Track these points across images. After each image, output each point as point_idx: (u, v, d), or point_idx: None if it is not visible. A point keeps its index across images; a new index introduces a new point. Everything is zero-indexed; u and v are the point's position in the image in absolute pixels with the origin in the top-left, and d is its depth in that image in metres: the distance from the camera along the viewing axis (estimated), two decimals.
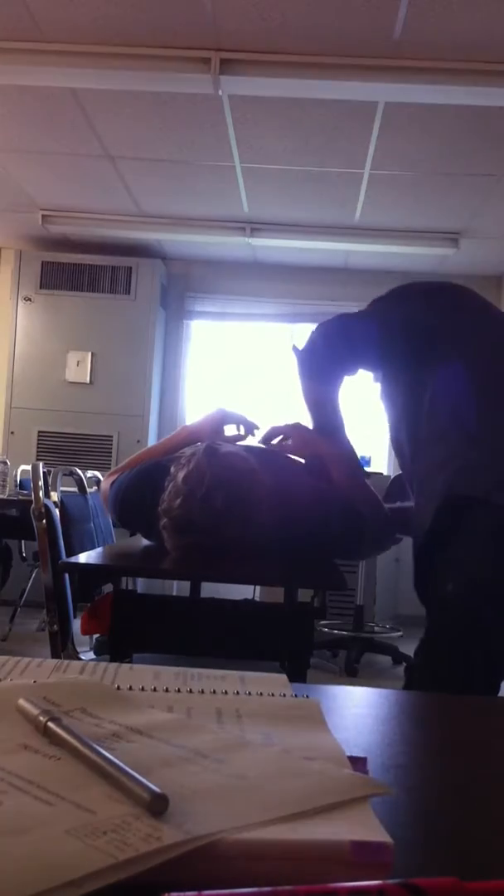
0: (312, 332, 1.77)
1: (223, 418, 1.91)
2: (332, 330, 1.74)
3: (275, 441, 1.90)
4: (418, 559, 1.57)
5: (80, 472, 2.67)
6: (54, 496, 2.16)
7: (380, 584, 4.87)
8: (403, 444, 1.75)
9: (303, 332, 3.63)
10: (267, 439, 1.89)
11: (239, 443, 1.86)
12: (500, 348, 1.68)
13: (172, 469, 1.60)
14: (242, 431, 1.92)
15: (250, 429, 1.92)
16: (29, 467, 2.41)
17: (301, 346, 1.79)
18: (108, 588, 2.02)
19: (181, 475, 1.55)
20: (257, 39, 2.94)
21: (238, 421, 1.92)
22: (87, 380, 5.44)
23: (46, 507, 1.94)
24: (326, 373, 1.78)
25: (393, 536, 1.87)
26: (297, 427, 1.86)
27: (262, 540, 1.57)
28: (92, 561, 1.71)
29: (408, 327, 1.69)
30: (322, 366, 1.77)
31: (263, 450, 1.82)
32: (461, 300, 1.78)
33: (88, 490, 2.54)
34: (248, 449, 1.73)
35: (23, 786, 0.39)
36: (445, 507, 1.49)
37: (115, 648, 1.55)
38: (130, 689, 0.58)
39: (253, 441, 1.91)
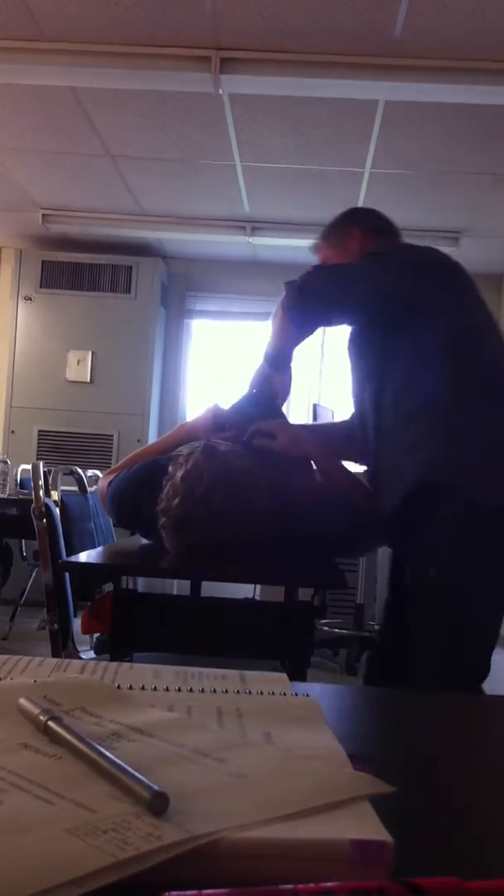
0: (310, 274, 1.77)
1: (216, 416, 1.87)
2: (332, 277, 1.78)
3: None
4: (391, 539, 1.68)
5: (80, 471, 2.67)
6: (55, 495, 2.16)
7: (380, 583, 4.87)
8: (366, 403, 1.83)
9: None
10: (252, 437, 1.85)
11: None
12: (482, 335, 1.74)
13: (171, 468, 1.60)
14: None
15: (242, 430, 1.87)
16: (29, 466, 2.41)
17: (295, 282, 1.77)
18: (108, 587, 2.02)
19: (179, 474, 1.55)
20: (258, 38, 2.94)
21: (230, 420, 1.87)
22: (88, 379, 5.44)
23: (47, 506, 1.94)
24: (315, 318, 1.79)
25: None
26: (283, 425, 1.85)
27: (261, 539, 1.57)
28: (92, 560, 1.71)
29: (405, 299, 1.75)
30: (314, 311, 1.76)
31: (262, 449, 1.82)
32: (455, 279, 1.83)
33: (89, 489, 2.54)
34: (246, 448, 1.73)
35: (23, 785, 0.39)
36: (415, 495, 1.59)
37: (115, 647, 1.55)
38: (131, 688, 0.58)
39: None
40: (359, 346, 1.88)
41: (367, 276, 1.77)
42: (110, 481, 1.80)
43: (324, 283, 1.76)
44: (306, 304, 1.72)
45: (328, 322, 1.90)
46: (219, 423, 1.84)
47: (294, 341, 1.80)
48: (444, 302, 1.74)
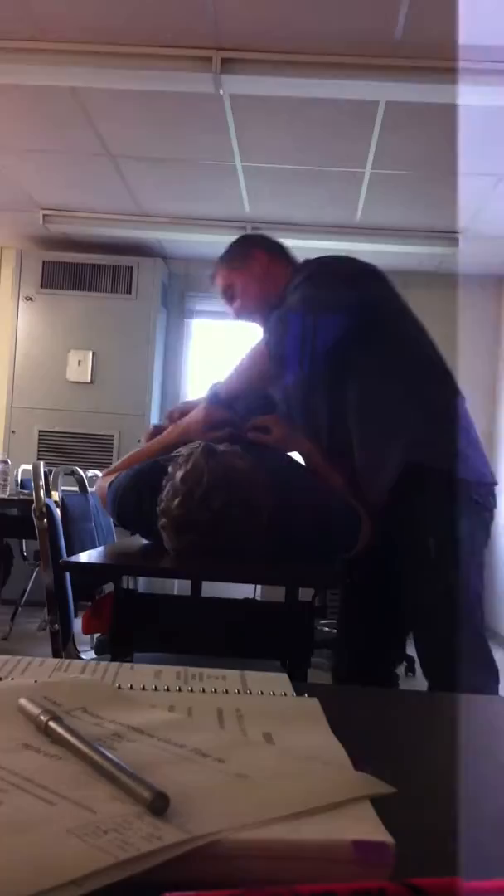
0: (277, 335, 1.83)
1: (208, 416, 1.87)
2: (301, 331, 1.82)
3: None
4: (380, 517, 1.76)
5: (80, 471, 2.67)
6: (55, 495, 2.16)
7: None
8: (318, 405, 1.92)
9: None
10: (247, 430, 1.88)
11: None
12: (421, 332, 1.96)
13: (170, 469, 1.60)
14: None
15: (235, 428, 1.88)
16: (30, 466, 2.41)
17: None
18: (108, 587, 2.02)
19: (179, 475, 1.55)
20: (258, 39, 2.94)
21: (224, 419, 1.89)
22: (89, 379, 5.44)
23: (47, 506, 1.94)
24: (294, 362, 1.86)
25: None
26: (277, 420, 1.89)
27: (262, 539, 1.57)
28: (93, 560, 1.71)
29: (359, 311, 1.85)
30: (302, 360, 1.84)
31: (260, 448, 1.82)
32: (390, 286, 1.97)
33: (89, 489, 2.54)
34: (245, 447, 1.74)
35: (24, 785, 0.39)
36: (403, 476, 1.74)
37: (115, 648, 1.55)
38: (131, 688, 0.58)
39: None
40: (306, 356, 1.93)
41: (332, 307, 1.84)
42: (111, 482, 1.80)
43: (296, 340, 1.82)
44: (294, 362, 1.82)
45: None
46: (213, 423, 1.85)
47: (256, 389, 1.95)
48: (391, 308, 1.91)
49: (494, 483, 1.82)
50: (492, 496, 1.81)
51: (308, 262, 2.01)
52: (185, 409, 2.00)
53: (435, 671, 1.72)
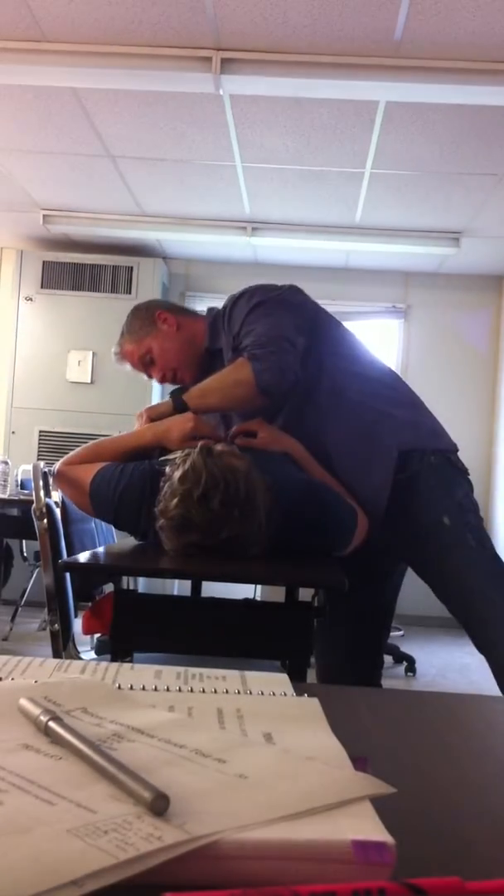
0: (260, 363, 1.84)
1: (195, 429, 1.81)
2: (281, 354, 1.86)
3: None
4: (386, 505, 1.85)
5: None
6: (55, 496, 2.16)
7: None
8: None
9: None
10: (234, 435, 1.88)
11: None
12: (357, 342, 2.09)
13: (168, 469, 1.60)
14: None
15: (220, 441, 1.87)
16: (30, 467, 2.41)
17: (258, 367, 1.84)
18: (108, 588, 2.02)
19: (177, 475, 1.55)
20: (258, 39, 2.94)
21: (210, 434, 1.84)
22: (89, 379, 5.44)
23: (47, 506, 1.94)
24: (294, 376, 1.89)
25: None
26: (263, 423, 1.89)
27: (260, 538, 1.57)
28: (93, 561, 1.71)
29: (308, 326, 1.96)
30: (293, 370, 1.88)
31: (245, 447, 1.82)
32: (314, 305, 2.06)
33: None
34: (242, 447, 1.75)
35: (24, 785, 0.39)
36: (402, 464, 1.87)
37: (116, 648, 1.55)
38: (131, 688, 0.58)
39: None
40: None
41: (290, 326, 1.91)
42: (93, 477, 1.74)
43: (277, 363, 1.84)
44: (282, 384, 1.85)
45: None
46: (197, 436, 1.80)
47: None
48: (323, 322, 2.02)
49: (457, 448, 2.01)
50: (460, 460, 1.99)
51: (229, 302, 2.04)
52: (160, 411, 1.96)
53: (476, 629, 1.86)
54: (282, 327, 1.89)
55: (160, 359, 2.10)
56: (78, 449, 1.85)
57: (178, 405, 1.88)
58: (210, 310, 2.17)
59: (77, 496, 1.79)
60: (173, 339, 2.09)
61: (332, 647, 2.11)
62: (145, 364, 2.13)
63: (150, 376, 2.17)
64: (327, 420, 1.93)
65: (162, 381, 2.17)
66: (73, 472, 1.79)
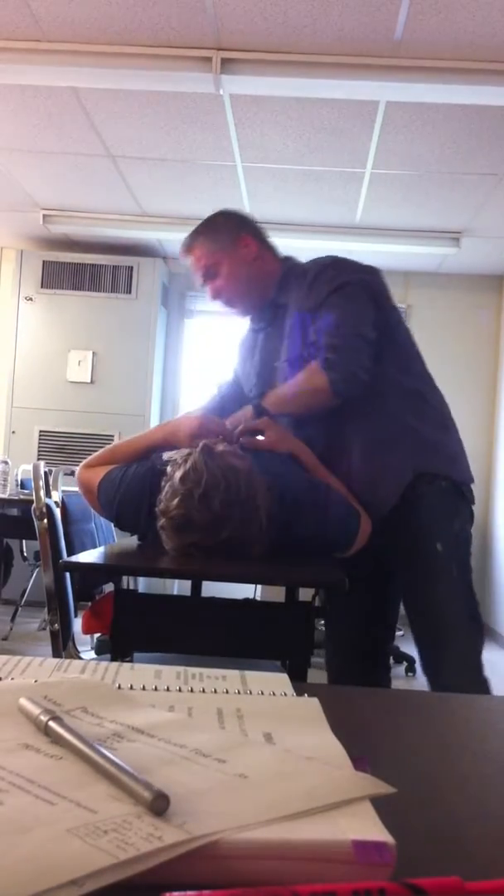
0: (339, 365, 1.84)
1: (203, 426, 1.83)
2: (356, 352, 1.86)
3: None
4: (383, 526, 1.84)
5: None
6: (55, 496, 2.16)
7: None
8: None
9: None
10: (241, 434, 1.88)
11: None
12: (412, 344, 2.04)
13: (169, 469, 1.60)
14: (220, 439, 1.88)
15: (228, 440, 1.87)
16: (30, 467, 2.41)
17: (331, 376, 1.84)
18: (108, 587, 2.02)
19: (178, 475, 1.55)
20: (258, 39, 2.94)
21: (218, 431, 1.85)
22: (89, 379, 5.44)
23: (47, 506, 1.94)
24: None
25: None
26: (270, 423, 1.89)
27: (261, 538, 1.57)
28: (93, 560, 1.71)
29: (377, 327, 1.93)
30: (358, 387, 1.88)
31: (250, 445, 1.82)
32: (390, 297, 2.02)
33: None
34: (242, 449, 1.75)
35: (24, 785, 0.39)
36: (412, 483, 1.87)
37: (116, 648, 1.55)
38: (131, 688, 0.58)
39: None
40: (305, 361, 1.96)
41: (365, 325, 1.90)
42: (100, 479, 1.76)
43: (353, 361, 1.85)
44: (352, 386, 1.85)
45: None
46: (204, 433, 1.81)
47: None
48: (393, 322, 1.98)
49: (472, 479, 2.01)
50: (471, 492, 2.00)
51: (314, 267, 2.00)
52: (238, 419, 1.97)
53: (426, 654, 1.89)
54: (359, 319, 1.87)
55: (223, 279, 2.05)
56: (97, 452, 1.89)
57: (257, 411, 1.91)
58: (286, 259, 2.12)
59: (89, 498, 1.84)
60: (246, 267, 2.05)
61: (338, 649, 2.12)
62: (206, 274, 2.07)
63: (202, 284, 2.11)
64: (357, 418, 1.92)
65: (213, 297, 2.10)
66: (86, 475, 1.84)
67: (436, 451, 1.94)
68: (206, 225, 2.10)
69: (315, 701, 0.57)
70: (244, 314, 2.14)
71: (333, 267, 1.97)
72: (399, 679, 4.09)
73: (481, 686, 1.83)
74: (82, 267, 5.45)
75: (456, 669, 1.85)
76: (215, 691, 0.59)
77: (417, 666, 1.96)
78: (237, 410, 2.13)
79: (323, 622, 4.60)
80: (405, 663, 4.24)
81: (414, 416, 1.93)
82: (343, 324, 1.87)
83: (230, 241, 2.06)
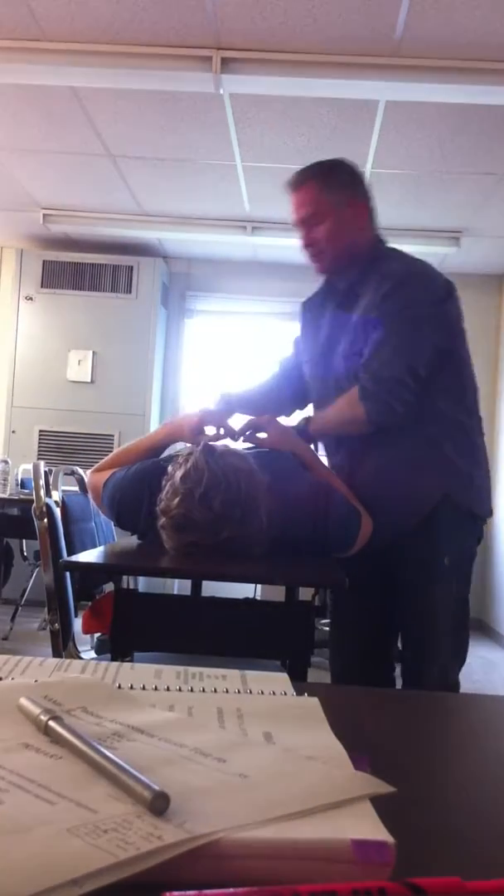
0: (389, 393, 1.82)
1: (203, 420, 1.89)
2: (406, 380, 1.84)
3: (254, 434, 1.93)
4: (395, 541, 1.88)
5: (81, 471, 2.67)
6: (55, 495, 2.16)
7: None
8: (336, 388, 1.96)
9: None
10: (243, 432, 1.89)
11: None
12: (465, 362, 2.02)
13: (170, 468, 1.60)
14: (222, 432, 1.90)
15: (230, 433, 1.90)
16: (30, 466, 2.41)
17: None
18: (109, 587, 2.02)
19: (179, 474, 1.55)
20: (258, 38, 2.94)
21: (219, 423, 1.90)
22: (89, 379, 5.44)
23: (48, 506, 1.94)
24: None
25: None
26: (273, 421, 1.90)
27: (261, 538, 1.57)
28: (93, 560, 1.71)
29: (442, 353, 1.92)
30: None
31: (259, 448, 1.83)
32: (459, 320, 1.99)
33: (86, 475, 2.54)
34: (238, 438, 1.77)
35: (24, 784, 0.39)
36: (435, 506, 1.89)
37: (116, 647, 1.55)
38: (132, 687, 0.58)
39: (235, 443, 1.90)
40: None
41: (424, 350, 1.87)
42: (106, 481, 1.79)
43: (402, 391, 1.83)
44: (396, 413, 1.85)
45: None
46: (204, 424, 1.87)
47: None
48: (460, 354, 1.97)
49: (492, 514, 2.05)
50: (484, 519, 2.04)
51: (398, 276, 1.92)
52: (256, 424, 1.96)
53: (415, 662, 1.95)
54: (416, 355, 1.83)
55: (322, 232, 1.94)
56: (106, 457, 1.92)
57: (301, 433, 1.93)
58: (380, 240, 2.03)
59: (96, 501, 1.86)
60: (349, 232, 1.95)
61: (342, 650, 2.12)
62: (306, 219, 1.95)
63: (297, 226, 1.99)
64: (393, 437, 1.90)
65: (305, 243, 1.99)
66: (94, 479, 1.87)
67: (466, 484, 1.93)
68: (324, 170, 1.98)
69: (315, 700, 0.57)
70: (324, 272, 2.03)
71: (415, 286, 1.89)
72: (399, 679, 4.08)
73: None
74: (82, 266, 5.45)
75: (435, 685, 1.90)
76: (215, 691, 0.59)
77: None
78: (290, 392, 2.14)
79: (323, 622, 4.62)
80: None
81: (452, 447, 1.92)
82: (397, 355, 1.82)
83: (345, 198, 1.95)
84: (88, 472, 1.92)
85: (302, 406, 2.21)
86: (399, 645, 2.06)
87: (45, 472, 2.02)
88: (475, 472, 1.96)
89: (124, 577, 2.06)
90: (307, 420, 1.98)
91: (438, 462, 1.91)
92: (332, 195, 1.93)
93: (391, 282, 1.88)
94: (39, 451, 5.41)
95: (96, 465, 1.91)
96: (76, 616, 2.03)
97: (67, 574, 1.98)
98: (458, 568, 1.93)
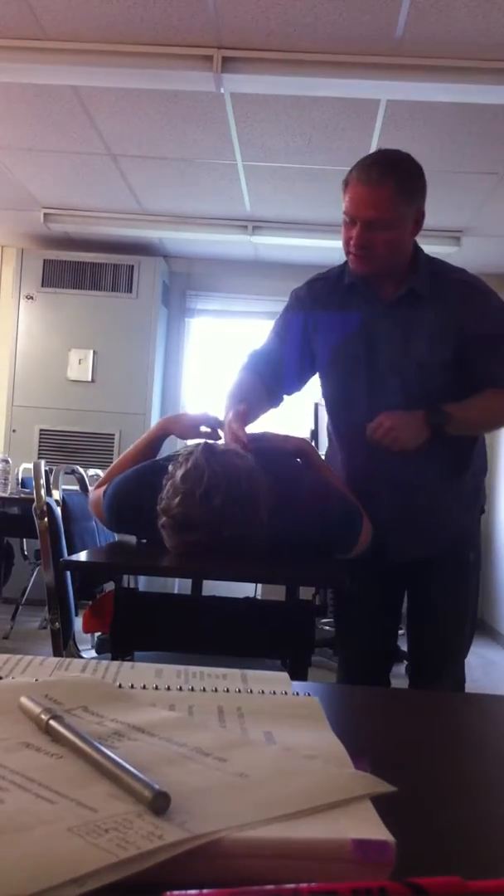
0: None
1: (201, 419, 1.85)
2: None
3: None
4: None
5: (81, 470, 2.67)
6: (56, 494, 2.17)
7: None
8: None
9: None
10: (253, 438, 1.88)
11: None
12: None
13: (170, 468, 1.60)
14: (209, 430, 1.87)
15: (215, 426, 1.84)
16: (31, 465, 2.41)
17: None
18: (109, 586, 2.02)
19: (180, 473, 1.55)
20: (259, 37, 2.94)
21: (218, 426, 1.84)
22: (89, 378, 5.44)
23: (48, 505, 1.94)
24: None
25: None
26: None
27: (262, 538, 1.57)
28: (93, 559, 1.71)
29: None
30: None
31: (260, 447, 1.82)
32: None
33: (90, 488, 2.54)
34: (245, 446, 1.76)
35: (25, 784, 0.39)
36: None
37: (116, 646, 1.55)
38: (132, 687, 0.58)
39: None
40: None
41: None
42: (105, 490, 1.77)
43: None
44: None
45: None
46: (201, 423, 1.85)
47: None
48: None
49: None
50: None
51: (485, 288, 2.02)
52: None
53: (439, 661, 1.99)
54: None
55: (385, 238, 1.78)
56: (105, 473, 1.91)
57: (436, 429, 1.78)
58: (417, 246, 1.92)
59: (98, 512, 1.81)
60: (405, 241, 1.85)
61: (353, 652, 2.11)
62: (372, 222, 1.76)
63: (353, 221, 1.79)
64: (449, 458, 1.92)
65: (358, 243, 1.79)
66: (94, 494, 1.84)
67: (481, 492, 2.10)
68: (405, 173, 1.84)
69: (315, 700, 0.57)
70: (365, 274, 1.87)
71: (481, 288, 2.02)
72: (399, 678, 4.08)
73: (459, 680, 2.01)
74: (83, 266, 5.45)
75: (454, 681, 1.99)
76: (216, 690, 0.59)
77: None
78: (274, 384, 2.03)
79: (323, 621, 4.62)
80: (405, 662, 4.24)
81: (479, 465, 2.04)
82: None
83: (415, 210, 1.83)
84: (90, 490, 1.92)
85: (277, 401, 2.08)
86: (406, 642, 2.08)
87: (46, 471, 2.02)
88: (485, 468, 2.10)
89: (125, 577, 2.06)
90: (443, 417, 1.78)
91: (474, 488, 2.05)
92: (407, 205, 1.80)
93: (484, 294, 1.99)
94: (40, 450, 5.41)
95: (97, 483, 1.88)
96: (77, 615, 2.03)
97: (68, 573, 1.98)
98: (478, 561, 2.03)
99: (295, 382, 2.07)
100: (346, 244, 1.83)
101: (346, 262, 1.93)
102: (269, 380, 2.02)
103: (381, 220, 1.76)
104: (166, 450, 1.91)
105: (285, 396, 2.09)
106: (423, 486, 1.91)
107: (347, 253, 1.85)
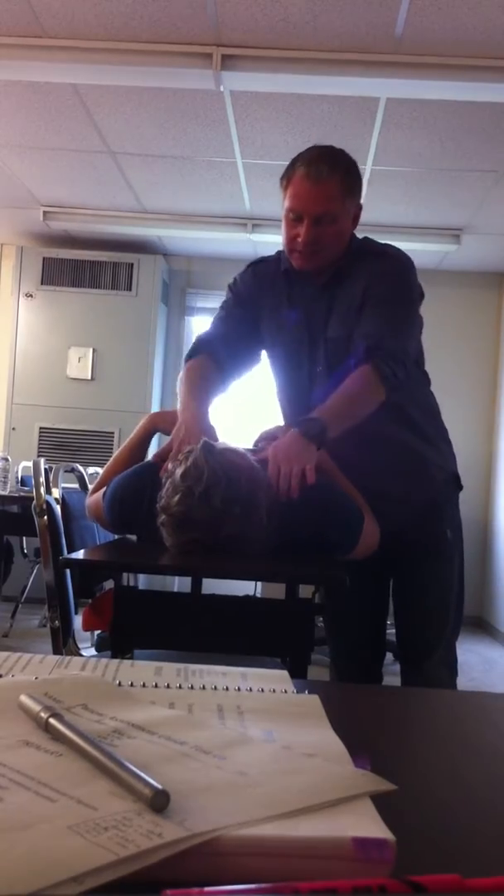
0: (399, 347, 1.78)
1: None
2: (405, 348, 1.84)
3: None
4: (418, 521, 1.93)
5: (81, 468, 2.67)
6: (56, 492, 2.16)
7: None
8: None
9: None
10: (260, 441, 1.89)
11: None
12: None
13: (170, 466, 1.60)
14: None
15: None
16: (30, 464, 2.41)
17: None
18: (109, 584, 2.02)
19: (179, 472, 1.55)
20: (259, 35, 2.93)
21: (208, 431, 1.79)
22: (89, 376, 5.44)
23: (48, 503, 1.94)
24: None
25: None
26: (283, 427, 1.90)
27: (261, 536, 1.57)
28: (93, 557, 1.71)
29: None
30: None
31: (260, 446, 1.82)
32: None
33: (89, 486, 2.54)
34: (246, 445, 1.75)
35: (24, 782, 0.39)
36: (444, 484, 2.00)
37: (116, 645, 1.55)
38: (132, 685, 0.58)
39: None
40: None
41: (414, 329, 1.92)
42: (103, 494, 1.77)
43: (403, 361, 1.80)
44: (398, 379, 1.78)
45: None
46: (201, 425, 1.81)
47: None
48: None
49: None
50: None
51: (399, 260, 1.94)
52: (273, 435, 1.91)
53: (427, 638, 1.98)
54: (408, 343, 1.83)
55: (332, 233, 1.83)
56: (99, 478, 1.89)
57: (320, 443, 1.68)
58: (350, 241, 1.94)
59: (97, 515, 1.80)
60: (348, 233, 1.91)
61: (343, 647, 2.13)
62: (323, 216, 1.80)
63: (302, 218, 1.81)
64: (384, 424, 1.83)
65: (311, 240, 1.81)
66: (91, 499, 1.83)
67: (448, 453, 2.03)
68: (347, 168, 1.85)
69: (315, 698, 0.57)
70: (309, 270, 1.89)
71: (412, 273, 1.95)
72: (399, 676, 4.08)
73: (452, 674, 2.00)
74: (82, 264, 5.45)
75: (443, 661, 1.98)
76: (216, 688, 0.59)
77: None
78: (231, 366, 2.00)
79: (322, 619, 4.60)
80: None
81: (433, 428, 2.01)
82: (399, 332, 1.81)
83: (356, 203, 1.88)
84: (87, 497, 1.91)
85: (227, 385, 2.03)
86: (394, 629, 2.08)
87: (46, 469, 2.02)
88: (446, 437, 2.05)
89: (124, 575, 2.06)
90: (318, 425, 1.68)
91: (429, 450, 1.97)
92: (351, 199, 1.85)
93: (395, 264, 1.93)
94: (39, 448, 5.41)
95: (92, 487, 1.87)
96: (76, 613, 2.03)
97: (67, 571, 1.98)
98: (459, 538, 1.99)
99: (245, 366, 2.08)
100: (292, 241, 1.85)
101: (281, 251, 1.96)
102: (223, 362, 2.00)
103: (328, 215, 1.80)
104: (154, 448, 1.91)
105: (233, 382, 2.06)
106: (380, 463, 1.89)
107: (291, 251, 1.87)
